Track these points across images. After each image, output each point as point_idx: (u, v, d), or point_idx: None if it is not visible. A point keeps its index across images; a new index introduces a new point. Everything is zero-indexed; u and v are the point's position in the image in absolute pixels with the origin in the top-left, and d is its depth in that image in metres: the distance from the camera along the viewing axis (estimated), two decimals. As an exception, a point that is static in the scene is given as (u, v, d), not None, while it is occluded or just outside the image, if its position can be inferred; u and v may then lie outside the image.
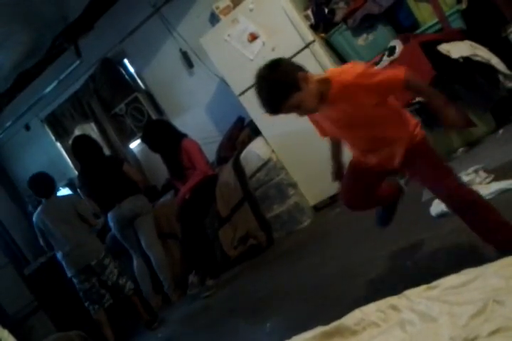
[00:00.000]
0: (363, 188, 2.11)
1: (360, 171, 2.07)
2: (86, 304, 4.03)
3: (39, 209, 4.05)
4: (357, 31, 3.80)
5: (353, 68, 1.84)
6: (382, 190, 2.20)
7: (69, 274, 4.02)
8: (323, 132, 2.11)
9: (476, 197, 1.85)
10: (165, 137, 4.16)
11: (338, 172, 2.22)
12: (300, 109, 1.84)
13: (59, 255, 4.04)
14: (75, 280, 4.03)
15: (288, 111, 1.85)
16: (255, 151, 4.13)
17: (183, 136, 4.21)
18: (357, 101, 1.82)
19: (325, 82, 1.82)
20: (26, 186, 4.21)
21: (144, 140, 4.35)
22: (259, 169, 4.11)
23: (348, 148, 2.11)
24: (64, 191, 5.63)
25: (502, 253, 1.75)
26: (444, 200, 1.94)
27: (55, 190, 4.19)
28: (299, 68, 1.84)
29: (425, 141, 1.94)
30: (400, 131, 1.93)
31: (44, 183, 4.07)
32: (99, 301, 3.97)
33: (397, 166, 1.97)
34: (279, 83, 1.78)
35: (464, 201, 1.82)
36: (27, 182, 4.13)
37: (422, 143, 1.93)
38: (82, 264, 3.92)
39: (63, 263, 4.03)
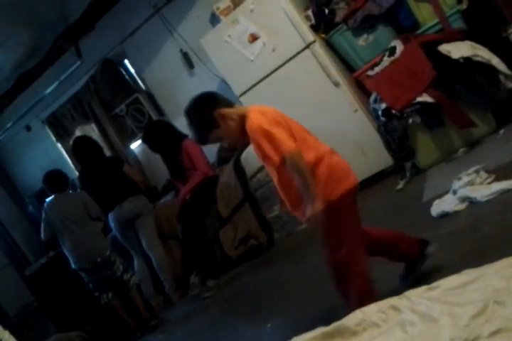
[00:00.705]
0: None
1: None
2: (96, 294, 4.16)
3: (49, 202, 4.17)
4: (357, 32, 3.80)
5: (260, 119, 1.86)
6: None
7: (74, 267, 4.12)
8: None
9: (352, 271, 1.90)
10: (165, 137, 4.16)
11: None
12: (224, 141, 2.02)
13: (65, 249, 4.14)
14: (81, 273, 4.15)
15: (215, 142, 2.04)
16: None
17: (184, 136, 4.21)
18: (255, 146, 1.89)
19: (243, 119, 1.90)
20: (28, 187, 4.27)
21: (144, 140, 4.36)
22: (259, 169, 4.11)
23: None
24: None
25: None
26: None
27: (67, 186, 4.26)
28: (221, 104, 1.96)
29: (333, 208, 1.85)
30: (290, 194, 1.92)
31: (56, 179, 4.20)
32: (110, 289, 4.10)
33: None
34: (198, 123, 1.99)
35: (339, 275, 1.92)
36: (42, 178, 4.24)
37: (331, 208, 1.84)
38: (87, 261, 4.02)
39: (69, 257, 4.12)
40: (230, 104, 2.00)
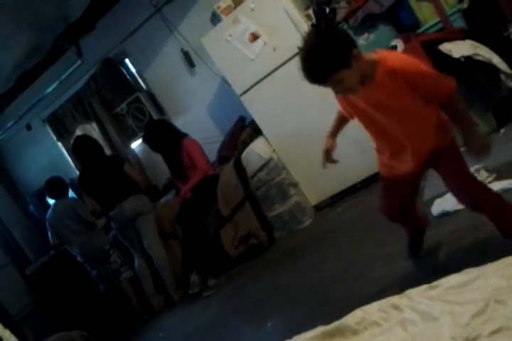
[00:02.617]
0: (400, 199, 2.11)
1: (393, 182, 2.05)
2: (97, 283, 4.66)
3: (50, 210, 4.63)
4: (358, 31, 3.79)
5: (406, 57, 1.82)
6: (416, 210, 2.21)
7: (80, 260, 4.65)
8: (347, 112, 2.05)
9: (497, 200, 1.89)
10: (166, 137, 4.16)
11: (330, 151, 2.20)
12: (341, 86, 1.76)
13: (69, 248, 4.63)
14: (86, 265, 4.67)
15: (330, 84, 1.76)
16: (256, 151, 4.12)
17: (184, 135, 4.22)
18: (397, 90, 1.76)
19: (373, 63, 1.75)
20: (29, 186, 4.50)
21: (144, 139, 4.36)
22: (260, 169, 4.11)
23: (375, 149, 2.07)
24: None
25: None
26: (465, 203, 1.99)
27: (66, 192, 4.71)
28: (353, 43, 1.75)
29: (454, 145, 1.90)
30: (430, 135, 1.87)
31: (55, 185, 4.65)
32: (107, 281, 4.59)
33: (414, 170, 1.96)
34: (333, 54, 1.66)
35: (484, 205, 1.88)
36: (44, 184, 4.73)
37: (450, 147, 1.89)
38: (89, 256, 4.54)
39: (75, 254, 4.62)
40: (357, 47, 1.78)
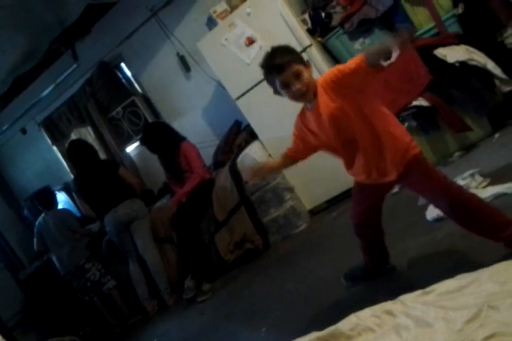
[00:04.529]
0: (367, 208, 2.14)
1: (361, 190, 2.11)
2: (79, 295, 4.75)
3: (40, 220, 4.75)
4: (354, 35, 3.80)
5: (331, 69, 2.02)
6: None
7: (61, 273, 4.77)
8: (298, 149, 2.25)
9: (477, 201, 1.89)
10: (164, 138, 4.17)
11: (259, 172, 2.31)
12: (297, 82, 1.96)
13: (51, 257, 4.82)
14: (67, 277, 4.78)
15: (287, 77, 1.97)
16: (252, 155, 4.12)
17: (182, 138, 4.22)
18: (338, 99, 1.92)
19: (314, 82, 2.00)
20: (23, 190, 4.55)
21: (143, 141, 4.35)
22: (255, 173, 4.10)
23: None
24: (60, 196, 5.63)
25: None
26: (445, 211, 1.97)
27: (54, 204, 4.85)
28: None
29: (420, 155, 1.95)
30: (391, 139, 1.93)
31: (45, 198, 4.82)
32: (90, 292, 4.68)
33: (393, 181, 1.98)
34: (296, 52, 2.13)
35: (466, 209, 1.86)
36: (34, 194, 4.95)
37: (417, 158, 1.93)
38: (65, 269, 4.68)
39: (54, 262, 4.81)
40: None
